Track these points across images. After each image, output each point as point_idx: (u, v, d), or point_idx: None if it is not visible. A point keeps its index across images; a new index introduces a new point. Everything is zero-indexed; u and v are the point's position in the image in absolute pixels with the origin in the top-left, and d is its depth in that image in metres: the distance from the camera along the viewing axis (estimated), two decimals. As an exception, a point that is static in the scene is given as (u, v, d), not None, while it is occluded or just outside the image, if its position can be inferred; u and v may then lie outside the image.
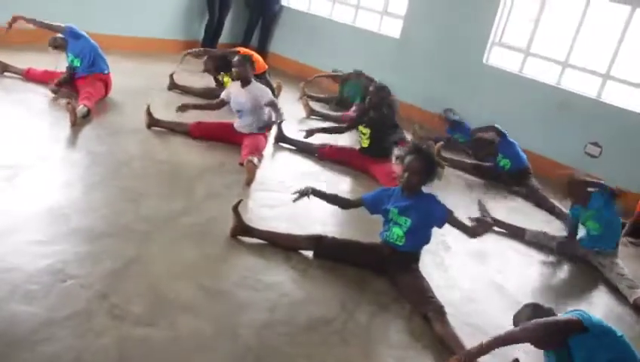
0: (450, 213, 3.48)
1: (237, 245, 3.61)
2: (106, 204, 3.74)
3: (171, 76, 6.72)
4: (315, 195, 3.71)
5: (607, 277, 4.57)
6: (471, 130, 6.89)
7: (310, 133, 5.60)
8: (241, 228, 3.64)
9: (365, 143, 5.53)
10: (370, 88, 5.69)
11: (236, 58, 5.29)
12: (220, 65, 6.83)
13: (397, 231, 3.54)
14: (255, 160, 4.70)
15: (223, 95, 5.33)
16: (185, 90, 6.69)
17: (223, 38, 9.29)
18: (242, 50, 6.81)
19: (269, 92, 5.30)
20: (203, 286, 3.10)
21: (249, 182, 4.53)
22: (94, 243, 3.23)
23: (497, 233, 4.97)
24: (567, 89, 7.17)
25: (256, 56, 7.95)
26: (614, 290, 4.41)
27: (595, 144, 6.98)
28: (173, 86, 6.71)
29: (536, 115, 6.39)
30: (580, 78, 7.27)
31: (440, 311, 3.23)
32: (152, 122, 5.25)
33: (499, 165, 6.32)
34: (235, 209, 3.63)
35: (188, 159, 4.78)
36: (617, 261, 4.63)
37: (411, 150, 3.53)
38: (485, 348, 2.68)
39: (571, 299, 4.28)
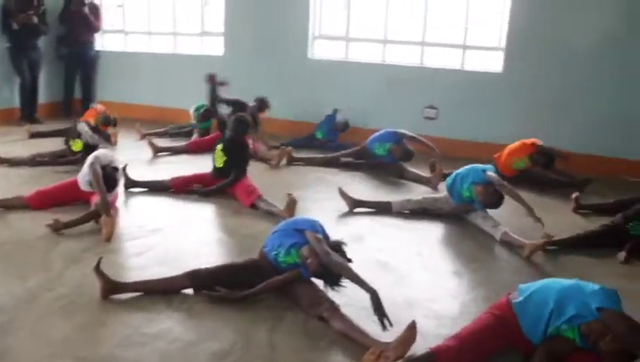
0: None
1: (111, 305, 3.36)
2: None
3: (-6, 151, 6.19)
4: None
5: (474, 223, 4.92)
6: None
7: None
8: (111, 287, 3.39)
9: (220, 163, 5.43)
10: (231, 118, 5.65)
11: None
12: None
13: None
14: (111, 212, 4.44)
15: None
16: (13, 163, 6.16)
17: (42, 97, 8.72)
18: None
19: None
20: (83, 359, 2.83)
21: (108, 237, 4.26)
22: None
23: (367, 213, 5.10)
24: (392, 63, 7.53)
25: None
26: (482, 233, 4.77)
27: (431, 107, 7.40)
28: (-3, 161, 6.18)
29: (369, 94, 6.64)
30: (401, 51, 7.68)
31: (332, 306, 3.23)
32: (-16, 205, 4.78)
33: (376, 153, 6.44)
34: (97, 269, 3.37)
35: (34, 232, 4.37)
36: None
37: None
38: None
39: (451, 255, 4.49)
